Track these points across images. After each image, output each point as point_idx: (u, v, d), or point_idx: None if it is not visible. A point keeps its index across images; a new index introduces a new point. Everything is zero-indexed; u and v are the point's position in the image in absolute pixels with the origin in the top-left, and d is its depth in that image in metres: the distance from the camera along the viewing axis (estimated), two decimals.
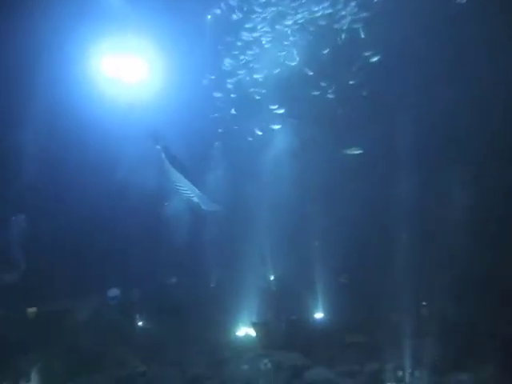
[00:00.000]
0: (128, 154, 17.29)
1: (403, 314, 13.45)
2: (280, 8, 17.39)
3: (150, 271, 16.82)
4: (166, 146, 17.51)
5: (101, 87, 17.50)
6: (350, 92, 17.35)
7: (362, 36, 16.94)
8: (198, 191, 17.46)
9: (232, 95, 18.65)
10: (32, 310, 14.85)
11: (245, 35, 17.78)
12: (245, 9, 17.54)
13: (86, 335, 14.09)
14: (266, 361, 12.66)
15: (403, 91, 15.96)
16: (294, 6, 17.24)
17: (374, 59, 16.81)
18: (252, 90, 18.35)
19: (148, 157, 17.52)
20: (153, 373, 12.69)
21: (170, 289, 17.28)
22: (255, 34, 17.77)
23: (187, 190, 17.45)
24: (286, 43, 17.77)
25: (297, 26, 17.49)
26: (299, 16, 17.27)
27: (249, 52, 18.03)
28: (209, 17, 18.34)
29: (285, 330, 14.80)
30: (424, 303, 14.57)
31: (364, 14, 16.77)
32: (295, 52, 17.74)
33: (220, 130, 18.85)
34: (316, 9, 17.04)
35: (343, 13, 16.92)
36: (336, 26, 17.13)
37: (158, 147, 17.51)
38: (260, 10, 17.44)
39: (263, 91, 18.22)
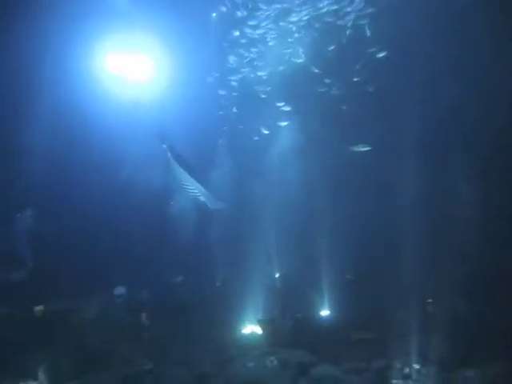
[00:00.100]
0: (134, 153, 17.31)
1: (412, 311, 13.37)
2: (285, 5, 17.31)
3: (157, 270, 16.83)
4: (172, 144, 17.50)
5: (105, 85, 17.55)
6: (356, 88, 17.27)
7: (368, 32, 16.85)
8: (204, 190, 17.43)
9: (236, 93, 18.63)
10: (39, 308, 14.88)
11: (250, 32, 17.72)
12: (250, 6, 17.48)
13: (93, 333, 14.09)
14: (272, 358, 12.64)
15: (409, 87, 15.85)
16: (299, 2, 17.17)
17: (381, 55, 16.72)
18: (257, 87, 18.31)
19: (154, 155, 17.51)
20: (160, 371, 12.67)
21: (176, 287, 17.28)
22: (260, 31, 17.70)
23: (193, 188, 17.43)
24: (291, 40, 17.71)
25: (302, 23, 17.41)
26: (304, 13, 17.19)
27: (254, 49, 17.98)
28: (214, 15, 18.28)
29: (291, 327, 14.76)
30: (432, 300, 14.47)
31: (370, 10, 16.67)
32: (301, 49, 17.67)
33: (225, 128, 18.82)
34: (321, 5, 16.97)
35: (348, 9, 16.85)
36: (341, 22, 17.06)
37: (164, 146, 17.50)
38: (265, 7, 17.37)
39: (268, 88, 18.17)
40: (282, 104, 18.09)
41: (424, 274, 14.10)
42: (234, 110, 18.83)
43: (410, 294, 13.72)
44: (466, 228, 14.42)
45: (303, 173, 17.07)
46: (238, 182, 17.68)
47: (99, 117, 17.02)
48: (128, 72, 17.96)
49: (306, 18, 17.28)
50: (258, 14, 17.52)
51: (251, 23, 17.65)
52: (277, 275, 17.46)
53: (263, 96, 18.26)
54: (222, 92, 18.69)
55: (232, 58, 18.27)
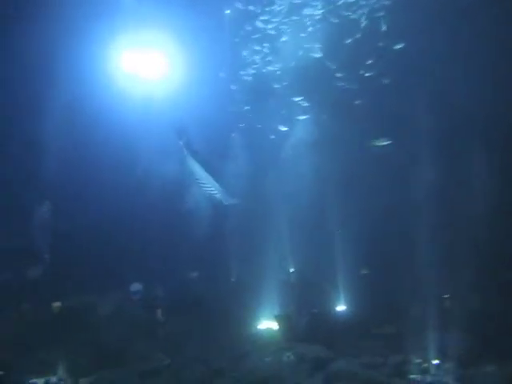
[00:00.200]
0: (149, 150, 17.36)
1: (428, 306, 13.23)
2: None
3: (172, 266, 16.88)
4: (189, 141, 17.49)
5: (120, 83, 17.59)
6: (370, 82, 17.11)
7: (383, 25, 16.68)
8: (219, 186, 17.40)
9: (250, 88, 18.55)
10: (56, 304, 14.97)
11: (264, 27, 17.64)
12: (264, 0, 17.41)
13: (109, 330, 14.19)
14: (288, 353, 12.60)
15: (425, 80, 15.69)
16: None
17: (397, 47, 16.53)
18: (271, 82, 18.23)
19: (168, 152, 17.54)
20: (177, 366, 12.69)
21: (192, 283, 17.32)
22: (273, 26, 17.61)
23: (209, 185, 17.41)
24: (304, 34, 17.57)
25: (317, 17, 17.28)
26: (319, 6, 17.06)
27: (266, 44, 17.90)
28: (228, 11, 18.24)
29: (307, 322, 14.71)
30: (449, 296, 14.32)
31: (385, 2, 16.50)
32: (315, 43, 17.54)
33: (240, 125, 18.79)
34: None
35: (363, 2, 16.69)
36: (356, 15, 16.90)
37: (181, 143, 17.49)
38: (279, 1, 17.28)
39: (284, 84, 18.07)
40: (300, 99, 17.98)
41: (440, 269, 13.93)
42: (248, 105, 18.77)
43: (425, 289, 13.61)
44: (481, 223, 14.23)
45: (317, 168, 16.99)
46: (253, 178, 17.62)
47: (114, 114, 17.12)
48: (141, 69, 17.99)
49: (320, 11, 17.16)
50: (272, 8, 17.44)
51: (266, 18, 17.57)
52: (292, 270, 17.43)
53: (277, 91, 18.15)
54: (235, 87, 18.64)
55: (246, 53, 18.19)
